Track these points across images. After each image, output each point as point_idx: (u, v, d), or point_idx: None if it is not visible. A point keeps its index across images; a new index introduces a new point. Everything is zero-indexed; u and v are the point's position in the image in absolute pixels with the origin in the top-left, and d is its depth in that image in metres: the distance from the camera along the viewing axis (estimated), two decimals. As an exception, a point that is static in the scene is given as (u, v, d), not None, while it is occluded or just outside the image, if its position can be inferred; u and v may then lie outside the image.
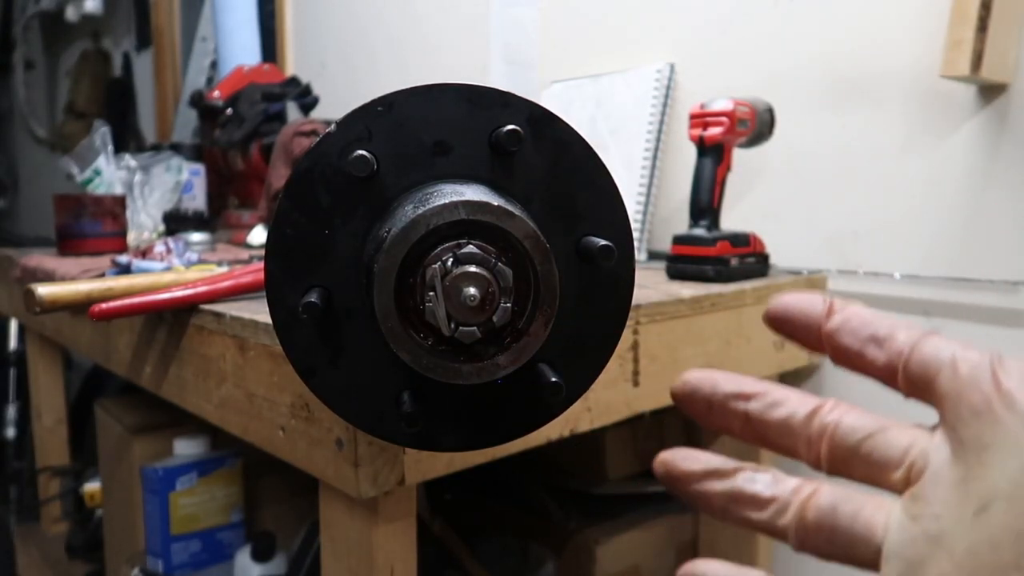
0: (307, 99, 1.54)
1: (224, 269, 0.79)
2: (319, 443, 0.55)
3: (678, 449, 0.27)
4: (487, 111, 0.38)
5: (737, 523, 0.26)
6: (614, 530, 1.00)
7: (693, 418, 0.28)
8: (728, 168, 0.89)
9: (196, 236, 1.25)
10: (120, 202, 1.18)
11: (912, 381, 0.25)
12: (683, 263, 0.87)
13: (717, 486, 0.26)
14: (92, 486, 1.40)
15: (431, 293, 0.34)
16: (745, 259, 0.89)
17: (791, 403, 0.26)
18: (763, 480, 0.26)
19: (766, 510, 0.25)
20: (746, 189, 1.07)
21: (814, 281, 0.95)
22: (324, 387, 0.39)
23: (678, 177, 1.13)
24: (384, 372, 0.39)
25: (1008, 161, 0.85)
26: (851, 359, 0.26)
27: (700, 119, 0.88)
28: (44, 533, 1.54)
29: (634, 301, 0.43)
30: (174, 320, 0.73)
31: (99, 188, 1.34)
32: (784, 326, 0.27)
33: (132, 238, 1.26)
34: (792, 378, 1.03)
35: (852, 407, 0.26)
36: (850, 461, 0.25)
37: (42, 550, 1.47)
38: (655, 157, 1.09)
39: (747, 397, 0.26)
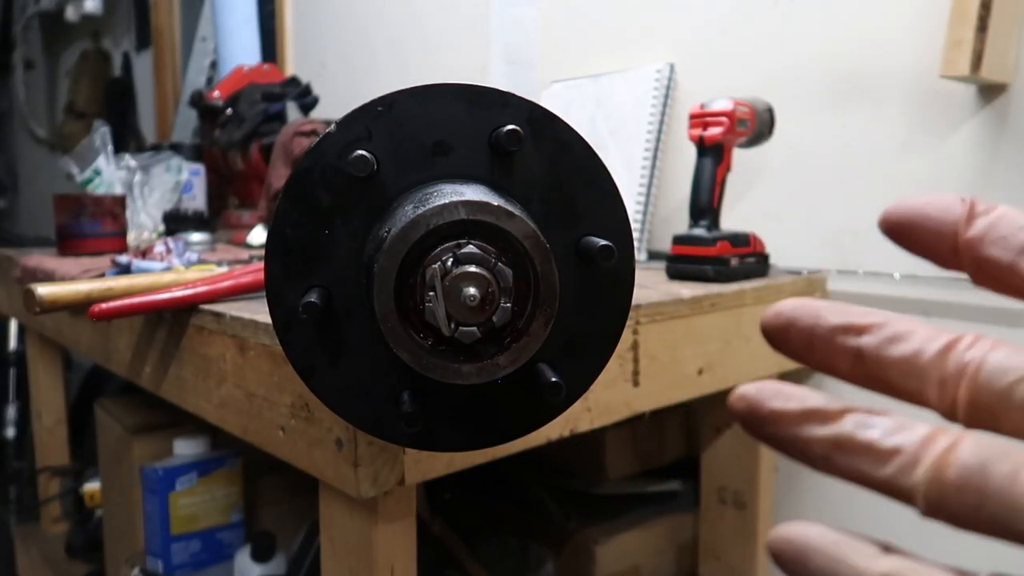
0: (307, 99, 1.54)
1: (224, 269, 0.79)
2: (319, 443, 0.55)
3: (765, 383, 0.21)
4: (487, 111, 0.38)
5: (847, 477, 0.20)
6: (614, 530, 1.00)
7: (787, 356, 0.22)
8: (728, 168, 0.89)
9: (196, 236, 1.25)
10: (120, 202, 1.18)
11: None
12: (683, 263, 0.87)
13: (819, 431, 0.20)
14: (92, 486, 1.40)
15: (431, 293, 0.34)
16: (745, 259, 0.89)
17: (917, 337, 0.20)
18: (882, 425, 0.20)
19: (888, 464, 0.19)
20: (746, 189, 1.07)
21: (814, 281, 0.95)
22: (324, 387, 0.39)
23: (678, 177, 1.13)
24: (384, 372, 0.39)
25: (1008, 161, 0.85)
26: (1000, 277, 0.20)
27: (700, 119, 0.88)
28: (44, 533, 1.54)
29: (634, 301, 0.43)
30: (174, 320, 0.73)
31: (99, 188, 1.34)
32: (909, 234, 0.21)
33: (132, 238, 1.26)
34: (794, 378, 1.03)
35: (998, 342, 0.20)
36: (998, 410, 0.19)
37: (42, 550, 1.47)
38: (655, 157, 1.09)
39: (859, 330, 0.21)
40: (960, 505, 0.18)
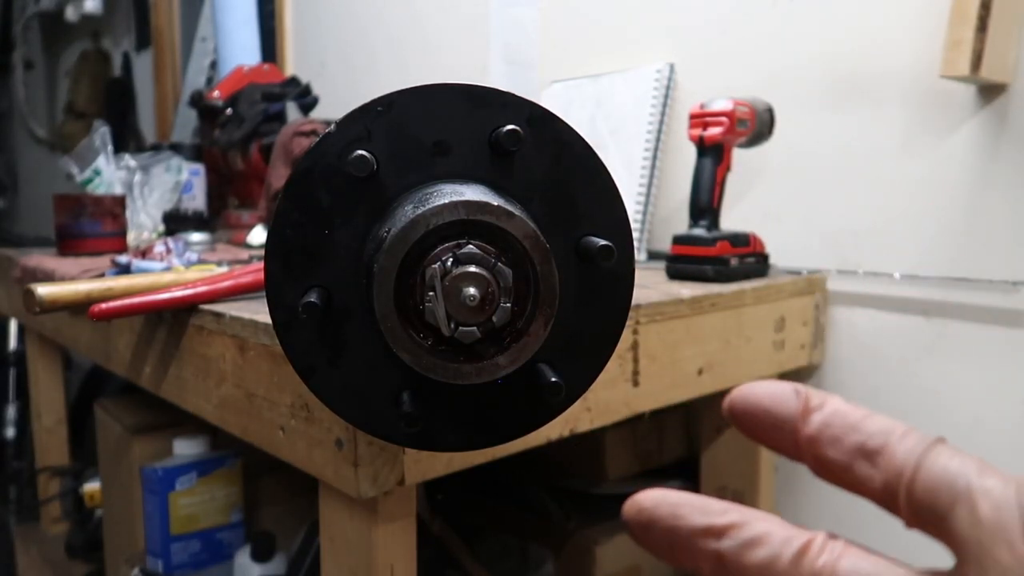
0: (307, 99, 1.54)
1: (224, 269, 0.79)
2: (319, 443, 0.55)
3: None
4: (487, 111, 0.38)
5: None
6: (614, 530, 1.00)
7: (653, 554, 0.22)
8: (728, 168, 0.89)
9: (196, 236, 1.25)
10: (120, 202, 1.18)
11: (918, 513, 0.20)
12: (683, 263, 0.87)
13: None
14: (92, 486, 1.40)
15: (431, 293, 0.34)
16: (745, 259, 0.89)
17: (773, 541, 0.20)
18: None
19: None
20: (746, 189, 1.07)
21: (813, 281, 0.95)
22: (324, 387, 0.39)
23: (678, 177, 1.13)
24: (384, 372, 0.39)
25: (1008, 161, 0.85)
26: (837, 475, 0.21)
27: (700, 119, 0.88)
28: (44, 533, 1.54)
29: (634, 301, 0.43)
30: (174, 320, 0.73)
31: (99, 188, 1.34)
32: (750, 428, 0.22)
33: (132, 238, 1.26)
34: (793, 377, 1.03)
35: (849, 546, 0.20)
36: None
37: (42, 550, 1.47)
38: (655, 157, 1.09)
39: (718, 533, 0.21)
40: None
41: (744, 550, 0.21)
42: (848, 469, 0.21)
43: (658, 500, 0.22)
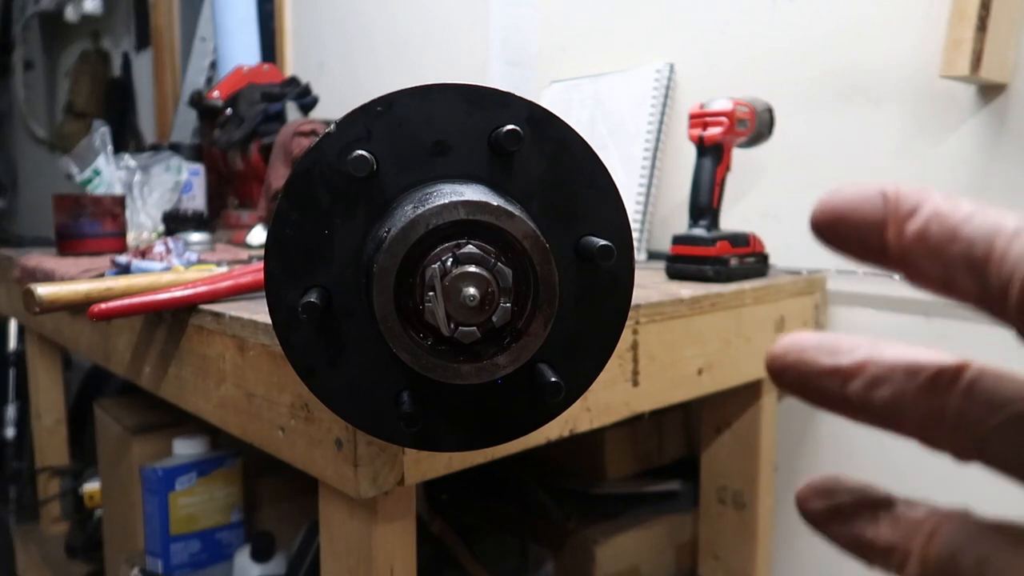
0: (306, 99, 1.54)
1: (223, 269, 0.79)
2: (319, 443, 0.55)
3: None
4: (486, 111, 0.38)
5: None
6: (613, 530, 1.00)
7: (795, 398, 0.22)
8: (727, 168, 0.89)
9: (195, 236, 1.25)
10: (119, 202, 1.18)
11: None
12: (682, 263, 0.87)
13: (839, 529, 0.21)
14: (91, 486, 1.40)
15: (431, 293, 0.34)
16: (744, 259, 0.89)
17: (896, 376, 0.20)
18: (885, 521, 0.20)
19: (889, 560, 0.20)
20: (746, 189, 1.07)
21: (813, 281, 0.95)
22: (324, 387, 0.39)
23: (678, 177, 1.13)
24: (383, 372, 0.39)
25: (1007, 161, 0.85)
26: (937, 289, 0.19)
27: (699, 119, 0.88)
28: (44, 533, 1.54)
29: (633, 301, 0.43)
30: (173, 320, 0.73)
31: (98, 188, 1.34)
32: (837, 243, 0.20)
33: (131, 238, 1.26)
34: (791, 378, 1.03)
35: (982, 374, 0.19)
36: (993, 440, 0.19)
37: (42, 550, 1.47)
38: (655, 157, 1.09)
39: (844, 375, 0.20)
40: None
41: (870, 390, 0.20)
42: (948, 284, 0.18)
43: (788, 345, 0.21)
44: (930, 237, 0.18)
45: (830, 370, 0.20)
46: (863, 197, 0.19)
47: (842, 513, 0.21)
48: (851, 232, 0.19)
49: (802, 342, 0.21)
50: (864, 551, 0.20)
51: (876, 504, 0.21)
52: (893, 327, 0.94)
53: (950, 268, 0.18)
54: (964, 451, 0.19)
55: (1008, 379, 0.19)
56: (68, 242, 1.15)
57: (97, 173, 1.34)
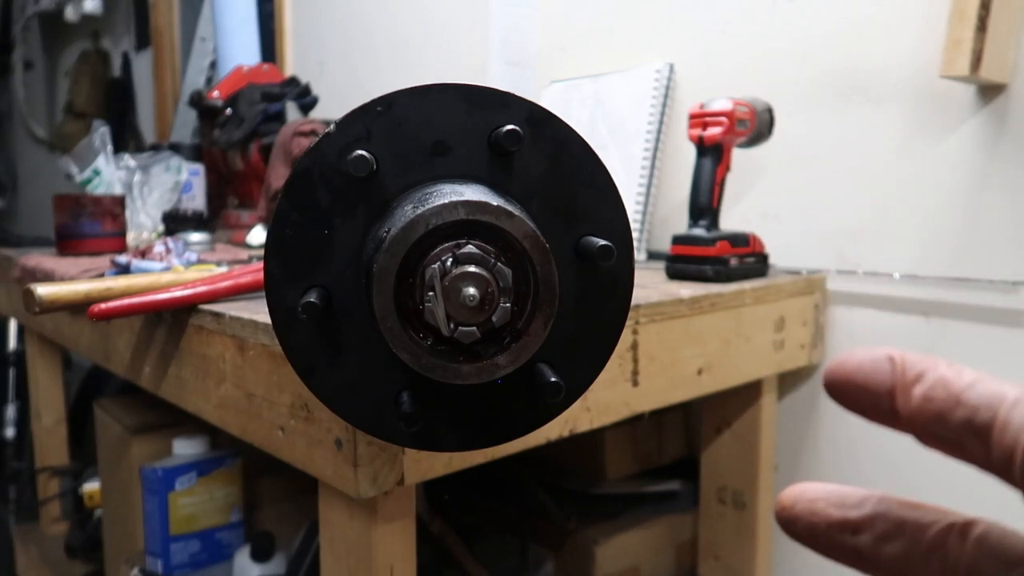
0: (306, 99, 1.54)
1: (223, 269, 0.79)
2: (318, 443, 0.55)
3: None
4: (486, 111, 0.38)
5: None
6: (613, 530, 1.00)
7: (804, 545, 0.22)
8: (727, 168, 0.89)
9: (195, 236, 1.25)
10: (119, 202, 1.18)
11: None
12: (682, 263, 0.87)
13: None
14: (91, 486, 1.40)
15: (430, 293, 0.34)
16: (744, 259, 0.89)
17: (908, 532, 0.20)
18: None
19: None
20: (746, 189, 1.07)
21: (813, 281, 0.95)
22: (323, 387, 0.39)
23: (678, 177, 1.13)
24: (383, 372, 0.39)
25: (1007, 161, 0.85)
26: (946, 450, 0.20)
27: (699, 119, 0.88)
28: (43, 533, 1.54)
29: (633, 301, 0.43)
30: (173, 320, 0.73)
31: (98, 188, 1.34)
32: (848, 403, 0.21)
33: (131, 238, 1.26)
34: (792, 377, 1.03)
35: (989, 530, 0.19)
36: None
37: (41, 550, 1.47)
38: (654, 157, 1.09)
39: (854, 528, 0.21)
40: None
41: (880, 545, 0.21)
42: (956, 446, 0.19)
43: (796, 496, 0.22)
44: (935, 403, 0.19)
45: (839, 523, 0.21)
46: (871, 362, 0.20)
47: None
48: (862, 396, 0.20)
49: (809, 493, 0.22)
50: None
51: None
52: (893, 327, 0.94)
53: (956, 433, 0.19)
54: None
55: (1014, 536, 0.19)
56: (68, 242, 1.15)
57: (97, 173, 1.34)
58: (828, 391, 0.21)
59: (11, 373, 2.02)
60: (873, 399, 0.20)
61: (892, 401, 0.20)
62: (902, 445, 0.94)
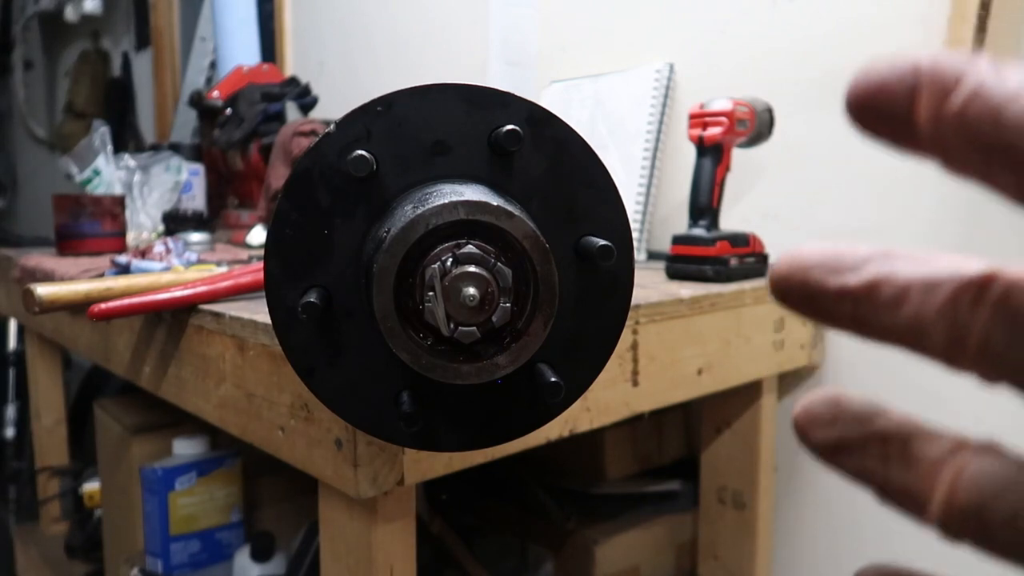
0: (306, 99, 1.54)
1: (223, 269, 0.79)
2: (318, 443, 0.55)
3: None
4: (486, 111, 0.38)
5: (863, 478, 0.19)
6: (613, 530, 1.00)
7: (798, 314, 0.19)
8: (727, 168, 0.89)
9: (195, 236, 1.25)
10: (119, 202, 1.18)
11: None
12: (682, 263, 0.87)
13: (848, 463, 0.19)
14: (91, 486, 1.40)
15: (430, 293, 0.34)
16: (744, 259, 0.89)
17: (914, 296, 0.17)
18: (899, 460, 0.18)
19: (906, 503, 0.18)
20: (746, 189, 1.07)
21: (813, 281, 0.95)
22: (323, 387, 0.39)
23: (678, 177, 1.13)
24: (383, 372, 0.39)
25: (1007, 161, 0.85)
26: (978, 179, 0.16)
27: (699, 119, 0.88)
28: (43, 533, 1.54)
29: (633, 301, 0.43)
30: (173, 320, 0.73)
31: (98, 188, 1.34)
32: (865, 120, 0.18)
33: (131, 238, 1.26)
34: (792, 377, 1.03)
35: (1010, 290, 0.16)
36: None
37: (41, 550, 1.47)
38: (654, 157, 1.09)
39: (854, 296, 0.18)
40: (971, 534, 0.17)
41: (883, 313, 0.18)
42: (986, 175, 0.16)
43: (791, 264, 0.19)
44: (969, 120, 0.15)
45: (837, 292, 0.18)
46: (894, 70, 0.17)
47: (849, 447, 0.19)
48: (883, 114, 0.17)
49: (804, 259, 0.19)
50: (877, 488, 0.18)
51: (886, 438, 0.18)
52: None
53: (990, 159, 0.15)
54: (991, 375, 0.17)
55: None
56: (68, 242, 1.15)
57: (97, 173, 1.34)
58: (850, 113, 0.18)
59: (11, 373, 2.02)
60: (895, 119, 0.17)
61: (913, 118, 0.16)
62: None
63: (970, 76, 0.15)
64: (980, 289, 0.16)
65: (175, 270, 0.82)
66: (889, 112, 0.17)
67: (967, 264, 0.17)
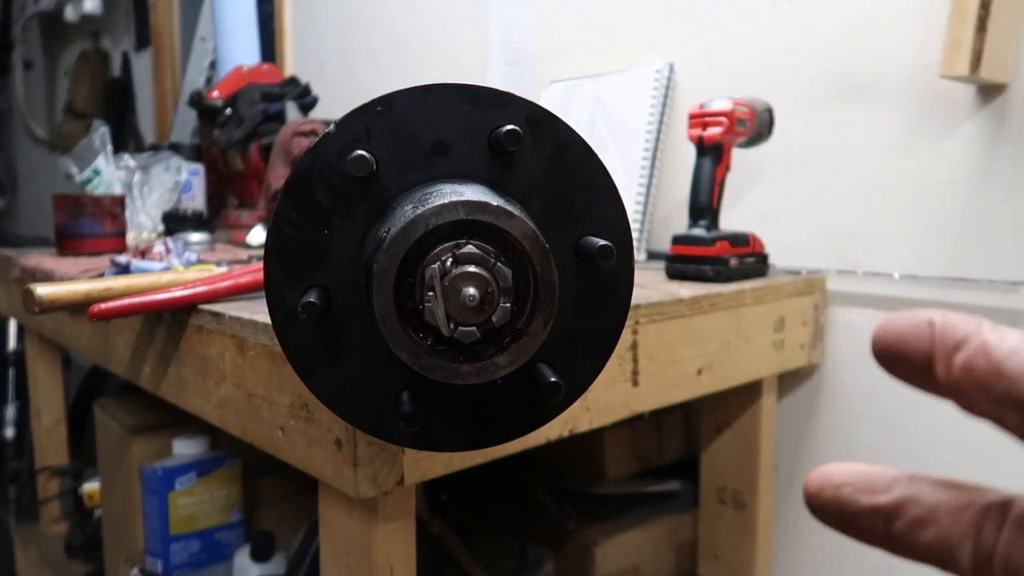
0: (306, 99, 1.54)
1: (223, 269, 0.79)
2: (318, 443, 0.55)
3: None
4: (486, 111, 0.38)
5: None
6: (613, 530, 1.00)
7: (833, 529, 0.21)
8: (727, 168, 0.89)
9: (195, 236, 1.25)
10: (119, 202, 1.18)
11: None
12: (682, 263, 0.87)
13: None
14: (91, 486, 1.40)
15: (430, 293, 0.34)
16: (744, 259, 0.89)
17: (941, 518, 0.19)
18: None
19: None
20: (745, 189, 1.07)
21: (813, 281, 0.95)
22: (323, 387, 0.39)
23: (678, 177, 1.13)
24: (383, 372, 0.39)
25: (1007, 161, 0.85)
26: (992, 420, 0.19)
27: (699, 119, 0.88)
28: (43, 533, 1.54)
29: (633, 301, 0.43)
30: (173, 320, 0.73)
31: (98, 188, 1.34)
32: (892, 370, 0.20)
33: (131, 238, 1.26)
34: (792, 377, 1.03)
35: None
36: None
37: (41, 550, 1.47)
38: (654, 157, 1.09)
39: (885, 514, 0.20)
40: None
41: (913, 531, 0.19)
42: (996, 417, 0.18)
43: (822, 482, 0.21)
44: (975, 373, 0.18)
45: (870, 510, 0.20)
46: (912, 328, 0.19)
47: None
48: (904, 365, 0.19)
49: (835, 478, 0.21)
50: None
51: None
52: (893, 327, 0.94)
53: (996, 406, 0.18)
54: None
55: None
56: (68, 242, 1.15)
57: (97, 173, 1.34)
58: (876, 359, 0.20)
59: (11, 373, 2.02)
60: (915, 368, 0.19)
61: (932, 369, 0.19)
62: (904, 444, 0.94)
63: (976, 336, 0.18)
64: (1003, 510, 0.18)
65: (175, 270, 0.82)
66: (910, 362, 0.19)
67: (988, 491, 0.19)
